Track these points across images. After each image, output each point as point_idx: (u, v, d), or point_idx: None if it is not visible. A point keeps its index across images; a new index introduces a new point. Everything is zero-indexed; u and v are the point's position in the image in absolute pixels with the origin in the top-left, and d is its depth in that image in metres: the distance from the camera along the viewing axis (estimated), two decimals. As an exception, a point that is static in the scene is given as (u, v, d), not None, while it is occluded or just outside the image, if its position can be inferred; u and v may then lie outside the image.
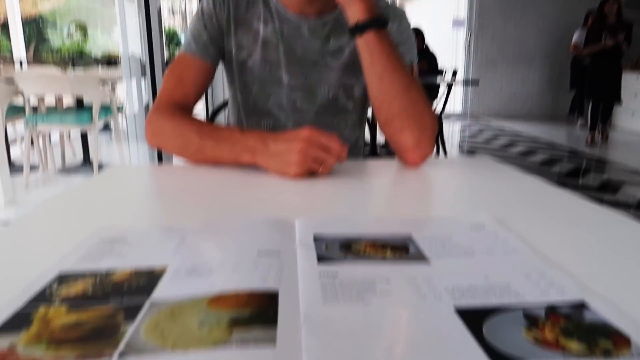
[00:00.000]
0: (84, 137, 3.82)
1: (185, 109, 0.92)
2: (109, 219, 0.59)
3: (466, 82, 6.89)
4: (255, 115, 1.02)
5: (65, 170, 3.77)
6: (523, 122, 6.64)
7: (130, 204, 0.67)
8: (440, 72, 4.97)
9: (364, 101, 1.06)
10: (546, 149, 4.85)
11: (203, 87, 0.96)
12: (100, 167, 3.44)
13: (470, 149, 4.83)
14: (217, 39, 0.96)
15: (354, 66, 0.97)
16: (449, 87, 4.12)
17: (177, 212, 0.62)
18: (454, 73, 4.67)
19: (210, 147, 0.81)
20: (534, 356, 0.29)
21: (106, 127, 5.16)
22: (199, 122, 0.87)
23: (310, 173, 0.75)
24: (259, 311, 0.34)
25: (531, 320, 0.34)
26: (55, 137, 4.13)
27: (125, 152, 4.11)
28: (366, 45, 0.82)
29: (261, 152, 0.76)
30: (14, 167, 3.62)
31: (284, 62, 0.97)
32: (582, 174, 3.83)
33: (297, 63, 0.97)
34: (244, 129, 0.82)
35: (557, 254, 0.47)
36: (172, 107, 0.89)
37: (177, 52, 0.99)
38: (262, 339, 0.30)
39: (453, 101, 6.27)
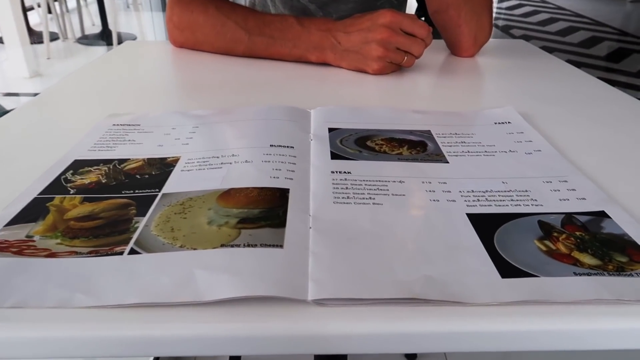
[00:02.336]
0: (101, 4, 3.68)
1: None
2: (123, 100, 0.58)
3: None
4: (288, 11, 0.89)
5: (85, 39, 3.69)
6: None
7: (145, 83, 0.65)
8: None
9: None
10: (590, 26, 4.48)
11: None
12: (119, 37, 3.35)
13: (505, 26, 4.49)
14: None
15: None
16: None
17: (192, 95, 0.61)
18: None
19: (263, 46, 0.69)
20: (543, 268, 0.29)
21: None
22: (240, 9, 0.70)
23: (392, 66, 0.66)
24: (268, 210, 0.34)
25: (546, 229, 0.33)
26: (72, 3, 3.98)
27: (145, 20, 3.96)
28: None
29: (331, 48, 0.65)
30: (32, 36, 3.56)
31: None
32: (626, 57, 3.57)
33: None
34: (300, 18, 0.68)
35: (586, 156, 0.44)
36: None
37: None
38: (271, 239, 0.30)
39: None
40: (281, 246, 0.30)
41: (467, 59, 0.78)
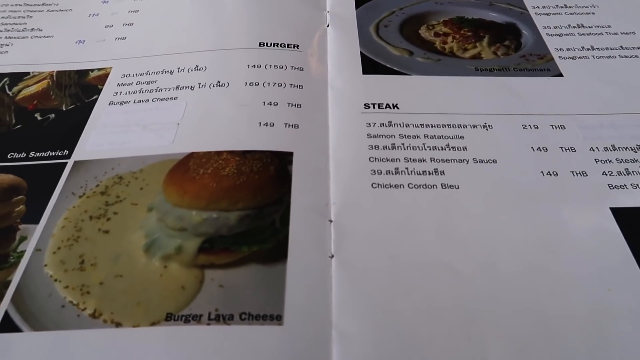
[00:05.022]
0: None
1: None
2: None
3: None
4: None
5: None
6: None
7: None
8: None
9: None
10: None
11: None
12: None
13: None
14: None
15: None
16: None
17: None
18: None
19: None
20: None
21: None
22: None
23: None
24: (255, 212, 0.18)
25: None
26: None
27: None
28: None
29: None
30: None
31: None
32: None
33: None
34: None
35: None
36: None
37: None
38: (260, 299, 0.16)
39: None
40: (279, 319, 0.16)
41: None
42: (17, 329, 0.16)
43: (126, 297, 0.16)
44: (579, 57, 0.26)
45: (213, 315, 0.16)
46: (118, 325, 0.16)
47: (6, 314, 0.16)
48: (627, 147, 0.21)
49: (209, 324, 0.16)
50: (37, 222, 0.19)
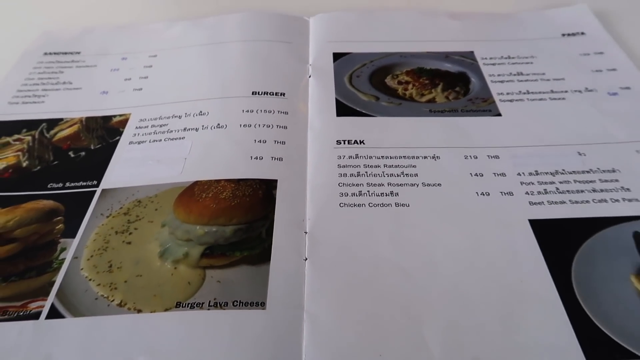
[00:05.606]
0: None
1: None
2: (60, 7, 0.44)
3: None
4: None
5: None
6: None
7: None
8: None
9: None
10: None
11: None
12: None
13: None
14: None
15: None
16: None
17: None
18: None
19: None
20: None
21: None
22: None
23: None
24: (246, 226, 0.24)
25: (646, 250, 0.23)
26: None
27: None
28: None
29: None
30: None
31: None
32: None
33: None
34: None
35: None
36: None
37: None
38: (249, 291, 0.21)
39: None
40: (263, 305, 0.21)
41: None
42: (61, 316, 0.21)
43: (145, 291, 0.21)
44: (516, 100, 0.31)
45: (212, 303, 0.21)
46: (139, 311, 0.21)
47: (52, 305, 0.21)
48: (547, 172, 0.26)
49: (209, 310, 0.20)
50: (73, 236, 0.24)
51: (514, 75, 0.33)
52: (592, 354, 0.19)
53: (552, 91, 0.32)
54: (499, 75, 0.33)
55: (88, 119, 0.31)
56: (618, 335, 0.19)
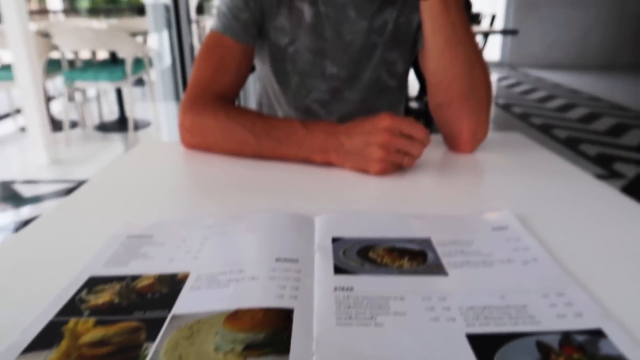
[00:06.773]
0: (119, 92, 3.88)
1: (227, 101, 0.81)
2: (138, 205, 0.61)
3: (504, 32, 6.42)
4: (293, 110, 0.94)
5: (103, 126, 3.86)
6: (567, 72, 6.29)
7: (159, 187, 0.68)
8: (476, 18, 4.73)
9: (406, 76, 0.98)
10: (588, 101, 4.62)
11: (245, 75, 0.85)
12: (135, 124, 3.51)
13: (505, 104, 4.63)
14: (258, 19, 0.84)
15: (397, 40, 0.88)
16: (486, 35, 3.95)
17: (203, 198, 0.64)
18: (493, 19, 4.45)
19: (270, 148, 0.72)
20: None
21: (140, 81, 5.21)
22: (248, 114, 0.75)
23: (393, 166, 0.69)
24: (273, 334, 0.35)
25: (544, 351, 0.34)
26: (91, 91, 4.21)
27: (160, 108, 4.16)
28: (429, 11, 0.71)
29: (335, 150, 0.69)
30: (54, 123, 3.74)
31: (331, 50, 0.87)
32: (625, 132, 3.64)
33: (344, 50, 0.87)
34: (305, 122, 0.72)
35: (583, 262, 0.46)
36: (211, 99, 0.77)
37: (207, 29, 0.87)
38: (274, 368, 0.32)
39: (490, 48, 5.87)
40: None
41: (465, 155, 0.81)
42: (147, 384, 0.31)
43: (205, 369, 0.32)
44: (459, 266, 0.45)
45: (251, 375, 0.31)
46: (201, 380, 0.31)
47: (141, 378, 0.31)
48: (479, 307, 0.38)
49: (249, 378, 0.31)
50: (154, 341, 0.35)
51: (458, 252, 0.48)
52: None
53: (484, 262, 0.46)
54: (447, 252, 0.48)
55: (160, 276, 0.44)
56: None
